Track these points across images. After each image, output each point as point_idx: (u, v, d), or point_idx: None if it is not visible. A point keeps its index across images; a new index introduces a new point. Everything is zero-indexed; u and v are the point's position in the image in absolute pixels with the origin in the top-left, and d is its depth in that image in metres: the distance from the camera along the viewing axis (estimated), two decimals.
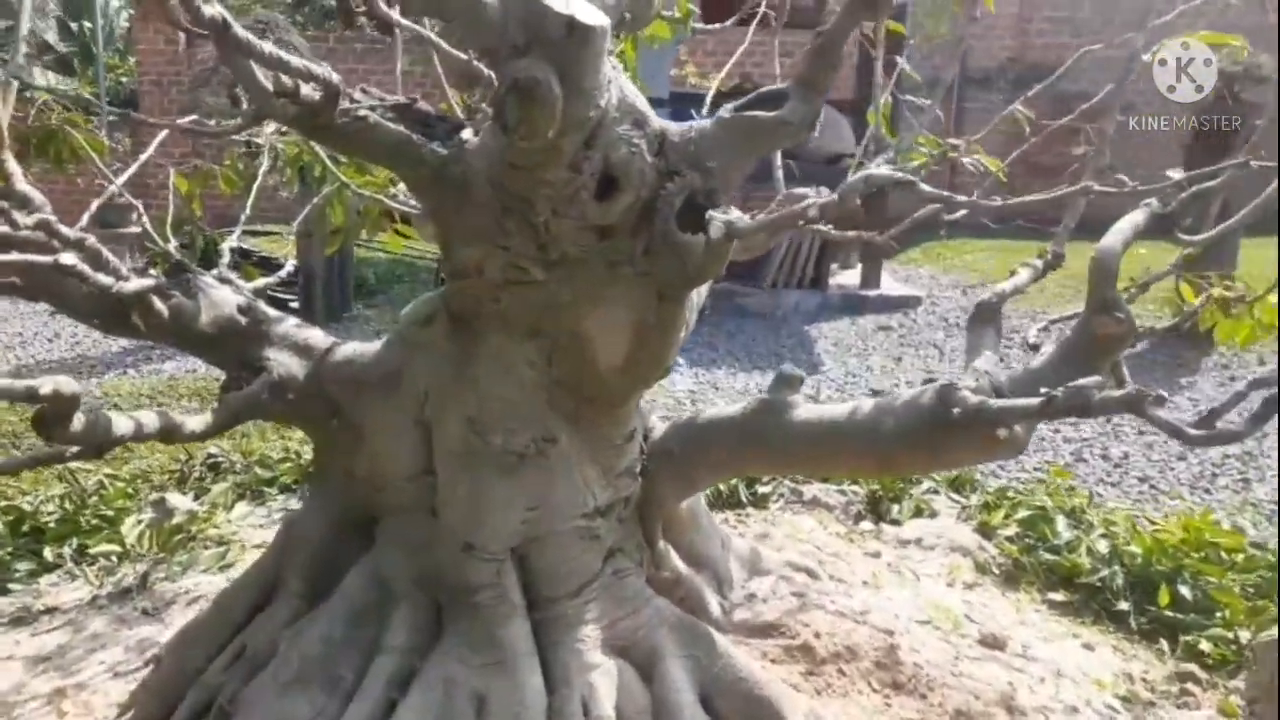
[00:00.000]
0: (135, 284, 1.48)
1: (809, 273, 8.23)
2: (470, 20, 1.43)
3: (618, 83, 1.57)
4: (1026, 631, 2.61)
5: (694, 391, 5.76)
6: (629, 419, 1.90)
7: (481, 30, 1.43)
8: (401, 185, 2.72)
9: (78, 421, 1.47)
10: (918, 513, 3.36)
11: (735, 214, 1.46)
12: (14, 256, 1.25)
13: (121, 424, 1.57)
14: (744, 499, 3.39)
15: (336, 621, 1.81)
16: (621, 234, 1.64)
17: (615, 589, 1.89)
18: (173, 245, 2.29)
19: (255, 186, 2.65)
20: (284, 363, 1.86)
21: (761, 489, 3.45)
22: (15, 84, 2.00)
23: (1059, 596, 2.87)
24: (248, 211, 2.51)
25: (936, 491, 3.49)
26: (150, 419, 1.64)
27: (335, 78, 1.52)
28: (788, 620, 2.20)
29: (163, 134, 2.20)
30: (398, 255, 9.99)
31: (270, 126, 3.94)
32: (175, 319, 1.72)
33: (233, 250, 2.28)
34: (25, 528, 3.04)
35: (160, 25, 11.36)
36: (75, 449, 1.57)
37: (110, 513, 3.17)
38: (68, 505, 3.26)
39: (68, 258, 1.27)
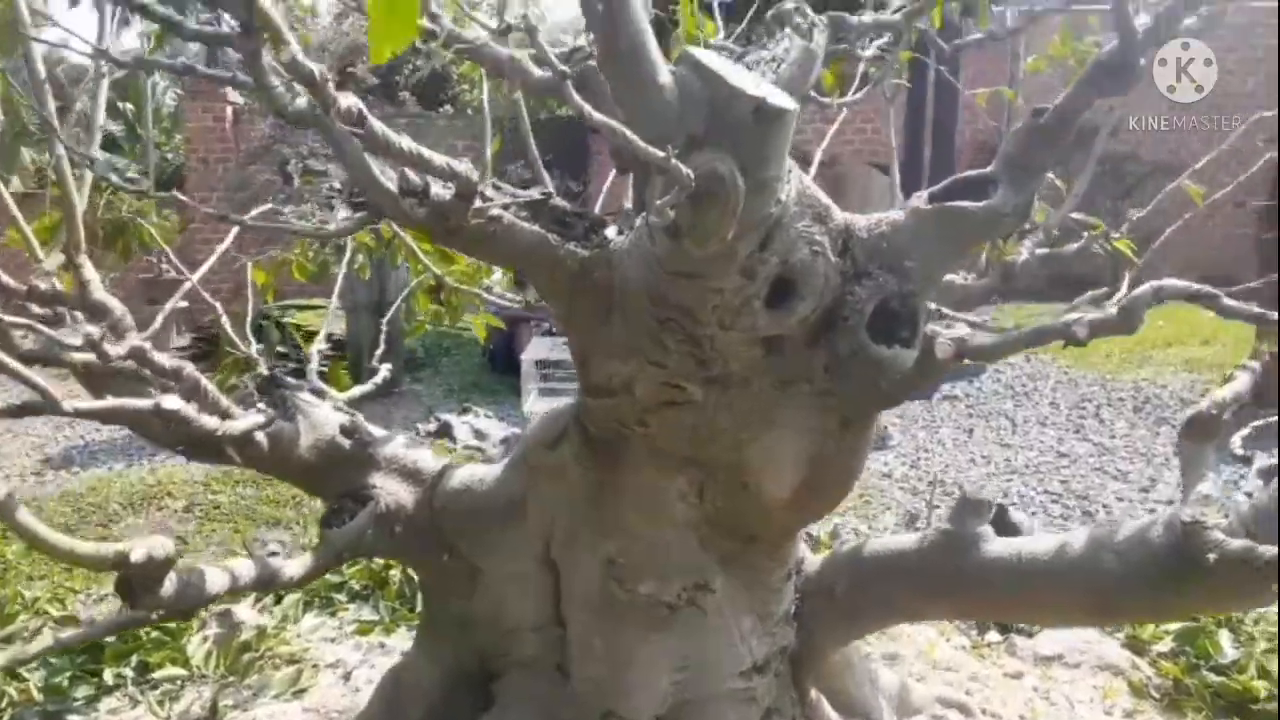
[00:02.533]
0: (243, 423, 1.25)
1: None
2: (642, 106, 1.21)
3: (796, 172, 1.34)
4: None
5: None
6: (790, 556, 1.63)
7: (654, 117, 1.21)
8: (496, 275, 2.51)
9: (169, 585, 1.24)
10: None
11: (962, 329, 1.20)
12: (110, 403, 1.02)
13: (215, 580, 1.34)
14: None
15: None
16: (794, 347, 1.40)
17: None
18: (255, 348, 2.09)
19: (340, 275, 2.45)
20: (391, 490, 1.62)
21: None
22: (88, 176, 1.83)
23: None
24: (335, 304, 2.31)
25: None
26: (245, 569, 1.41)
27: (475, 174, 1.30)
28: None
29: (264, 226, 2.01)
30: (444, 327, 9.86)
31: (341, 212, 3.77)
32: (274, 448, 1.49)
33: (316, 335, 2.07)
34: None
35: (209, 103, 11.48)
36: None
37: (171, 624, 2.92)
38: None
39: (171, 401, 1.05)
